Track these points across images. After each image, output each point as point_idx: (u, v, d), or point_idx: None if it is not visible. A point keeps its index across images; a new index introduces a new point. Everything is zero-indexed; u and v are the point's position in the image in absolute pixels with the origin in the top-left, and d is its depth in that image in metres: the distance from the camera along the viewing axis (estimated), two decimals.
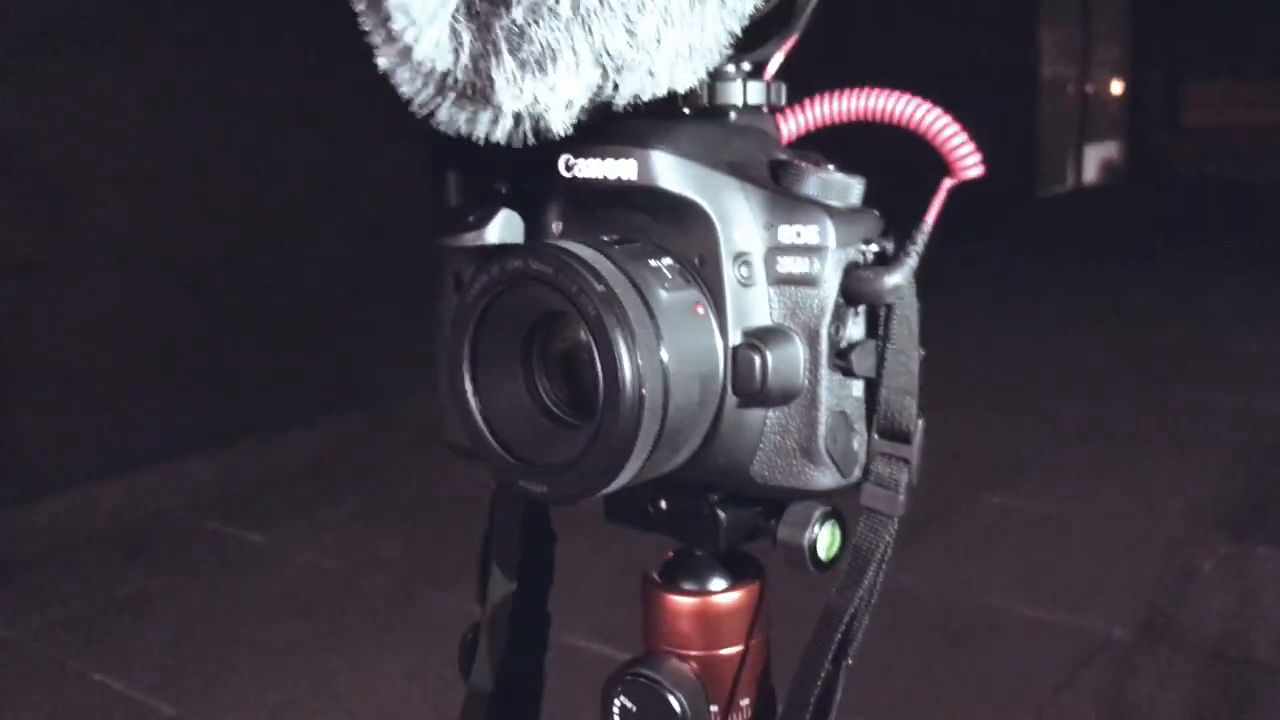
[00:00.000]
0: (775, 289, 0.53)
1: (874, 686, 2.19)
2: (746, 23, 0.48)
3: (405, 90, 0.48)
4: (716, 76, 0.54)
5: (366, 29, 0.47)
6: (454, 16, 0.45)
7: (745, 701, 0.61)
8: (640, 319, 0.49)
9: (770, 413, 0.54)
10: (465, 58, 0.46)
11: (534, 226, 0.56)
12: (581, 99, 0.47)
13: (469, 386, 0.54)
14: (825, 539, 0.56)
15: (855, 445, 0.55)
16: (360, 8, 0.47)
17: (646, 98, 0.48)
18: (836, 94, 0.56)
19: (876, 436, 0.55)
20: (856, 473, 0.55)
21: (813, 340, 0.53)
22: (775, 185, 0.53)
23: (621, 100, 0.48)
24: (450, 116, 0.48)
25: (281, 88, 3.63)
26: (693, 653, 0.60)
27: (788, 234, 0.52)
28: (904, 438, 0.55)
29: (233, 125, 3.53)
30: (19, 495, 3.09)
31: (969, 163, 0.52)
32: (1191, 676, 2.32)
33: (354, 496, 3.38)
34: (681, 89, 0.49)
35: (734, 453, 0.54)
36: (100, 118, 3.23)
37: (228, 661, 2.45)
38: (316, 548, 3.01)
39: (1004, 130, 7.64)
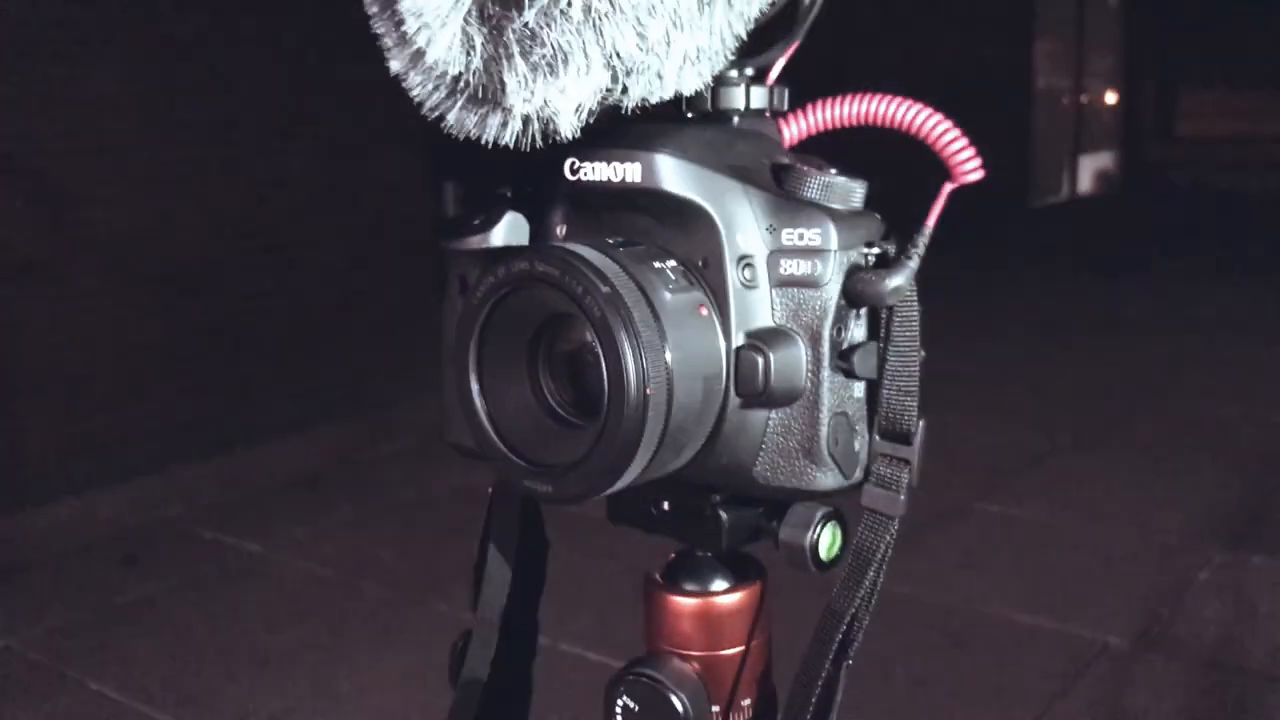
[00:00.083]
0: (778, 291, 0.53)
1: (872, 694, 2.19)
2: (751, 27, 0.49)
3: (416, 93, 0.48)
4: (720, 81, 0.54)
5: (379, 32, 0.48)
6: (466, 19, 0.46)
7: (746, 701, 0.61)
8: (645, 320, 0.50)
9: (773, 414, 0.54)
10: (477, 61, 0.46)
11: (539, 229, 0.57)
12: (591, 102, 0.47)
13: (475, 387, 0.55)
14: (827, 540, 0.57)
15: (856, 446, 0.55)
16: (373, 11, 0.48)
17: (654, 101, 0.49)
18: (838, 99, 0.57)
19: (878, 438, 0.55)
20: (858, 474, 0.56)
21: (815, 342, 0.53)
22: (778, 189, 0.54)
23: (630, 103, 0.48)
24: (460, 119, 0.48)
25: (282, 92, 3.64)
26: (695, 653, 0.61)
27: (790, 237, 0.53)
28: (905, 439, 0.55)
29: (232, 130, 3.54)
30: (17, 502, 3.08)
31: (969, 166, 0.53)
32: (1187, 685, 2.33)
33: (351, 504, 3.38)
34: (688, 92, 0.50)
35: (737, 453, 0.55)
36: (100, 122, 3.23)
37: (226, 669, 2.45)
38: (314, 555, 3.01)
39: (999, 141, 7.66)
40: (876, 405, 0.55)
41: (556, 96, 0.46)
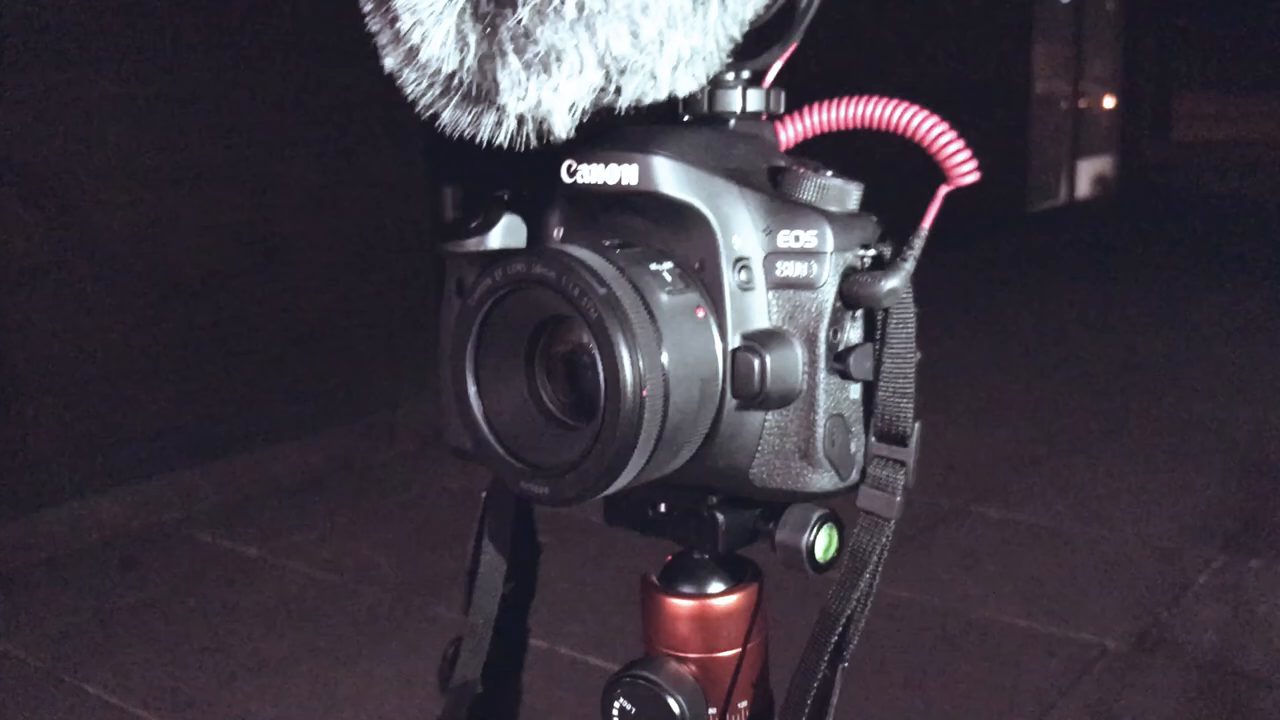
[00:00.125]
0: (774, 293, 0.53)
1: (868, 698, 2.19)
2: (747, 28, 0.49)
3: (411, 91, 0.48)
4: (716, 84, 0.55)
5: (373, 29, 0.48)
6: (460, 17, 0.46)
7: (743, 704, 0.61)
8: (641, 322, 0.50)
9: (769, 415, 0.54)
10: (471, 59, 0.46)
11: (536, 231, 0.57)
12: (584, 102, 0.47)
13: (472, 389, 0.55)
14: (823, 542, 0.57)
15: (853, 448, 0.55)
16: (367, 8, 0.48)
17: (648, 101, 0.49)
18: (834, 102, 0.57)
19: (874, 439, 0.56)
20: (854, 475, 0.56)
21: (811, 343, 0.53)
22: (774, 190, 0.54)
23: (623, 104, 0.48)
24: (454, 118, 0.48)
25: (282, 96, 3.64)
26: (691, 655, 0.61)
27: (786, 238, 0.53)
28: (901, 441, 0.55)
29: (232, 134, 3.54)
30: (15, 507, 3.08)
31: (965, 169, 0.53)
32: (1185, 689, 2.33)
33: (349, 508, 3.37)
34: (683, 94, 0.50)
35: (733, 455, 0.55)
36: (101, 125, 3.23)
37: (224, 674, 2.44)
38: (313, 559, 3.01)
39: (996, 145, 7.66)
40: (873, 407, 0.55)
41: (550, 95, 0.46)
